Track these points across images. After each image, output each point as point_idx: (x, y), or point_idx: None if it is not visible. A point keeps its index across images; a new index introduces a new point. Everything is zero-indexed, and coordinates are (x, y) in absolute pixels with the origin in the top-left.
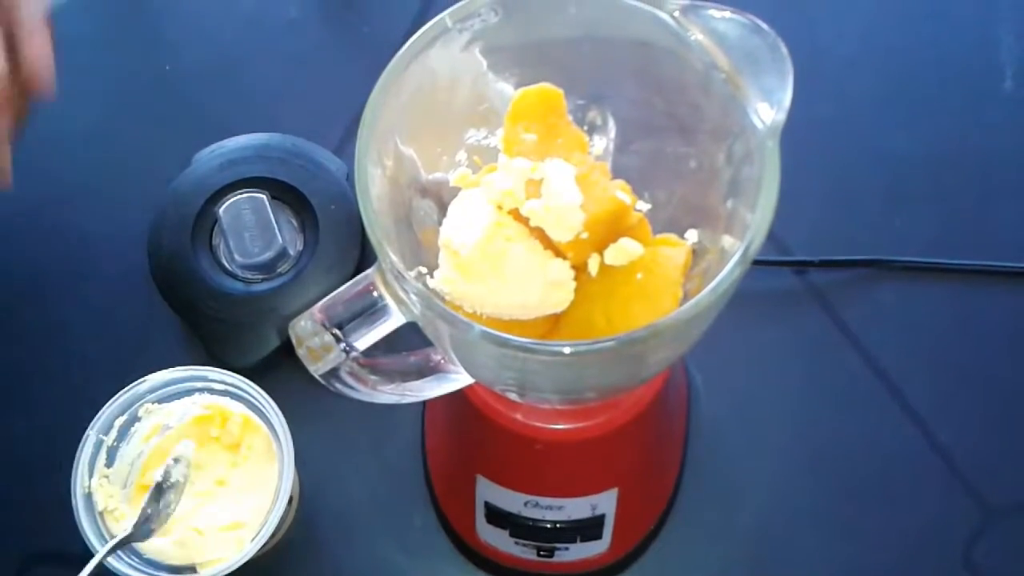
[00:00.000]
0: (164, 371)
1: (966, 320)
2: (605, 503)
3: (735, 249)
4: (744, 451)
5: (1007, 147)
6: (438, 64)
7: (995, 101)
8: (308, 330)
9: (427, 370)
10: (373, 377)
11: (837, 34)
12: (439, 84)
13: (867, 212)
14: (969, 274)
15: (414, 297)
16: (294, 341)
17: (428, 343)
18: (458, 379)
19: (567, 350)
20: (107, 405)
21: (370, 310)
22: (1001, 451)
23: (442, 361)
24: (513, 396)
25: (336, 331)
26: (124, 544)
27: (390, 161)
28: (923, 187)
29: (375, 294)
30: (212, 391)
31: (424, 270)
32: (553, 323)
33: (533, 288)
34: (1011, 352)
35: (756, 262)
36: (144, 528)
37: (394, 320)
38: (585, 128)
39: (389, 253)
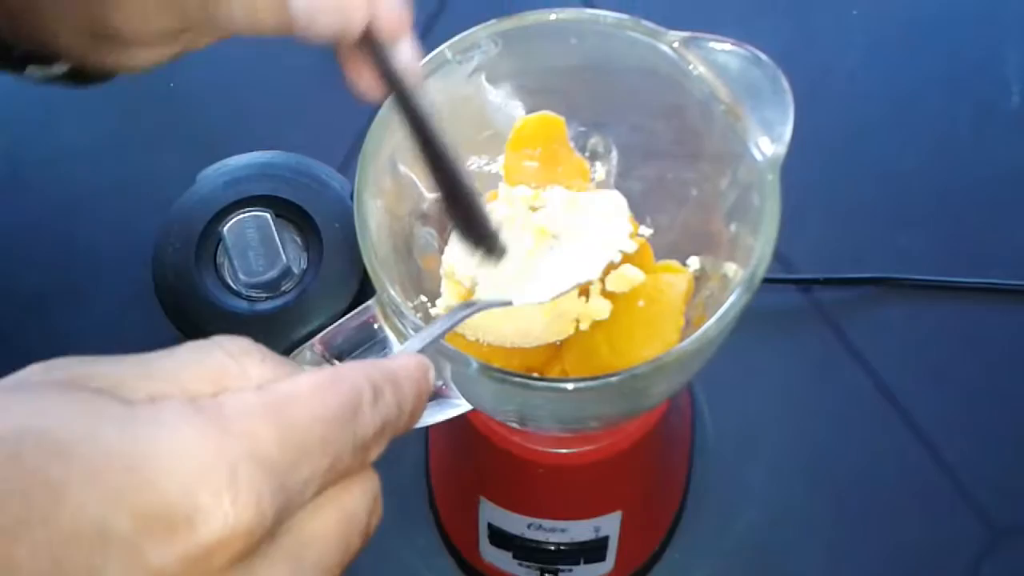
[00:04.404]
0: None
1: (973, 338)
2: (608, 525)
3: (737, 277)
4: (749, 470)
5: (1014, 164)
6: (438, 94)
7: (1002, 118)
8: (308, 361)
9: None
10: None
11: (842, 49)
12: (440, 114)
13: (873, 229)
14: (976, 292)
15: (412, 332)
16: None
17: None
18: (459, 405)
19: (569, 387)
20: None
21: (370, 342)
22: (1008, 470)
23: (443, 387)
24: (514, 425)
25: (336, 362)
26: None
27: (391, 189)
28: (929, 204)
29: (376, 326)
30: None
31: (425, 299)
32: (555, 350)
33: (536, 317)
34: (1018, 370)
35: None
36: None
37: (394, 352)
38: (586, 155)
39: (388, 288)
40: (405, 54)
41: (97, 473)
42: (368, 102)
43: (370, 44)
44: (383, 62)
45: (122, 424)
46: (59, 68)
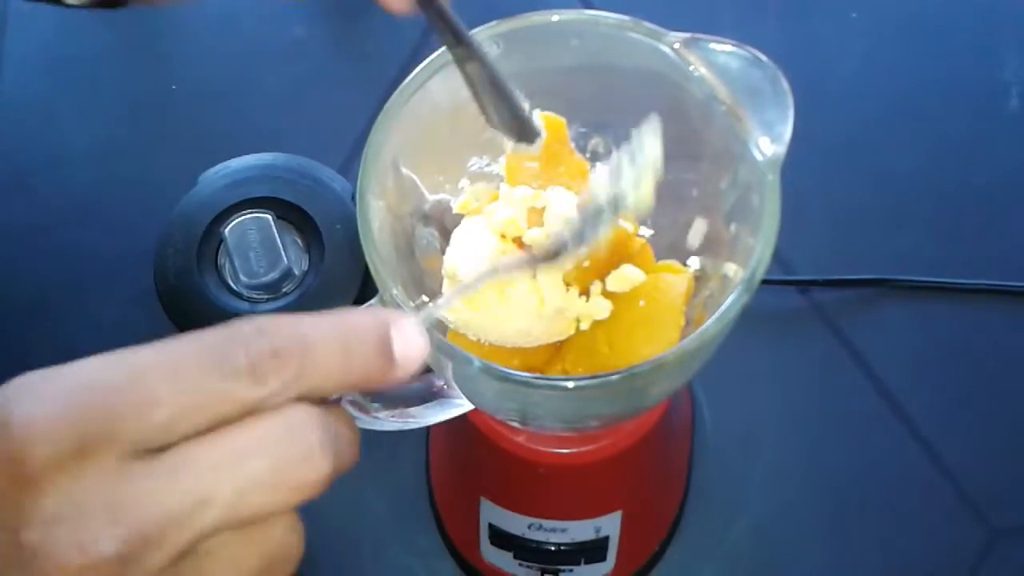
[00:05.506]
0: None
1: (972, 340)
2: (609, 525)
3: (737, 277)
4: (749, 471)
5: (1013, 165)
6: (440, 96)
7: (1000, 120)
8: None
9: (429, 395)
10: (374, 404)
11: (841, 51)
12: (441, 114)
13: (872, 231)
14: (975, 293)
15: None
16: None
17: (430, 368)
18: (461, 405)
19: (569, 385)
20: None
21: None
22: (1007, 473)
23: (445, 387)
24: (515, 424)
25: None
26: None
27: (392, 190)
28: (929, 206)
29: None
30: None
31: (427, 299)
32: (556, 350)
33: (536, 317)
34: (1018, 372)
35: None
36: None
37: None
38: (587, 156)
39: (390, 288)
40: None
41: None
42: (396, 14)
43: None
44: None
45: None
46: None
